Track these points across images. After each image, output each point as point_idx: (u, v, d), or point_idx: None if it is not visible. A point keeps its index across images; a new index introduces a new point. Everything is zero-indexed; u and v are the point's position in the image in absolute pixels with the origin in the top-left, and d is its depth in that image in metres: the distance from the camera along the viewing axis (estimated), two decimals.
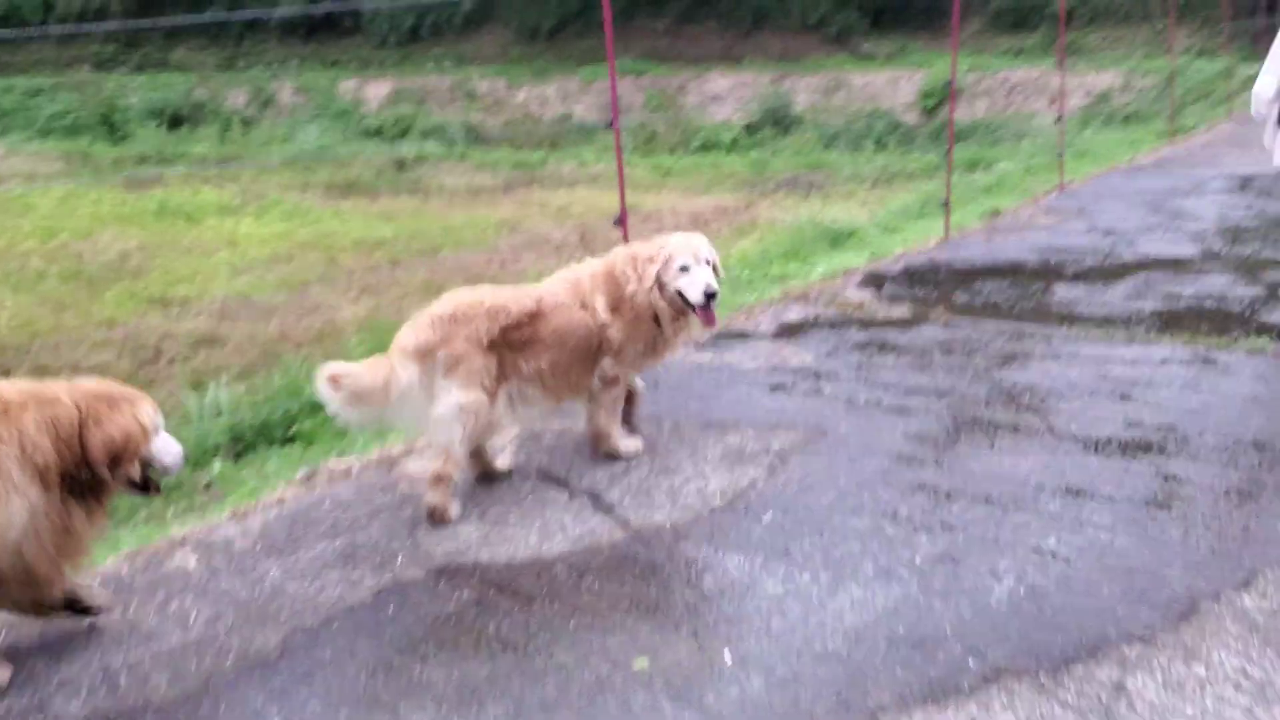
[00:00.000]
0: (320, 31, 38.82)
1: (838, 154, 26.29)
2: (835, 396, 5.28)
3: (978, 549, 3.72)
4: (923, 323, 6.45)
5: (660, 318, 4.45)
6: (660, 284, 4.40)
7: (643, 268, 4.40)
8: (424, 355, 4.01)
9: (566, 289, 4.40)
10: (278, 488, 4.67)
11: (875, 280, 7.74)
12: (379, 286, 13.28)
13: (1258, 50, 28.41)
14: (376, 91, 34.60)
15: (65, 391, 3.08)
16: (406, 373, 4.00)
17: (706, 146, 29.04)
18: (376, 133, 31.72)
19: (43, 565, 3.06)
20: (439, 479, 4.08)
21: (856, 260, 9.38)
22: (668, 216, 20.24)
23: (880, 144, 27.84)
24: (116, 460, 3.09)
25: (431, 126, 32.29)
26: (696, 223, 19.74)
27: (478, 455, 4.38)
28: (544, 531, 3.99)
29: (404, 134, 31.64)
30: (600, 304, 4.39)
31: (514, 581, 3.65)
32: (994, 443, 4.64)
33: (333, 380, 3.92)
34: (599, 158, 27.11)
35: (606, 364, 4.44)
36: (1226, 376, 5.34)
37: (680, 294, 4.40)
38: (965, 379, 5.47)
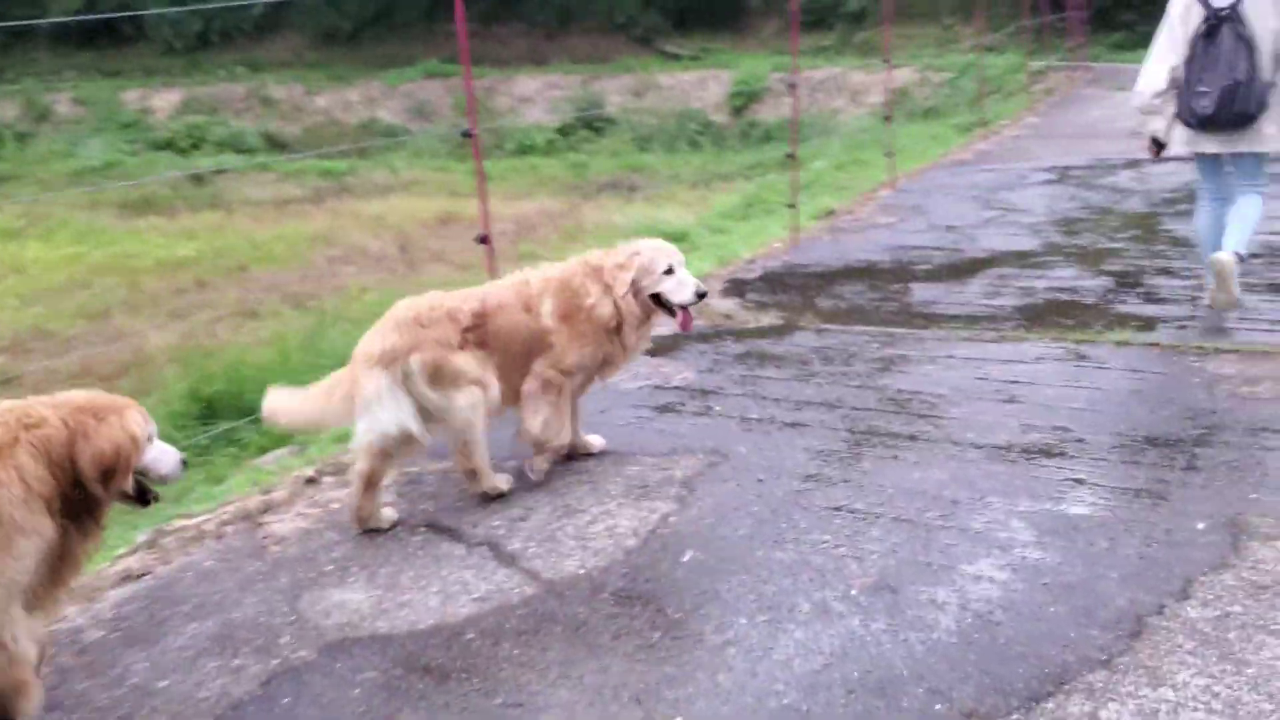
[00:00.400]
0: (98, 39, 36.43)
1: (654, 155, 26.35)
2: (727, 415, 5.04)
3: (911, 575, 3.54)
4: (795, 330, 6.30)
5: (624, 326, 4.35)
6: (635, 290, 4.31)
7: (613, 275, 4.30)
8: (391, 361, 3.90)
9: (511, 291, 4.32)
10: (116, 558, 4.09)
11: (737, 288, 7.58)
12: (187, 310, 12.43)
13: (1042, 45, 30.01)
14: (165, 101, 32.69)
15: (49, 409, 2.90)
16: (374, 382, 3.88)
17: (522, 149, 28.67)
18: (167, 144, 29.95)
19: (42, 599, 2.90)
20: (473, 474, 4.18)
21: (704, 265, 9.22)
22: (492, 223, 19.83)
23: (694, 144, 28.06)
24: (109, 475, 2.91)
25: (227, 136, 30.79)
26: (522, 227, 19.39)
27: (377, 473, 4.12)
28: (445, 593, 3.59)
29: (197, 145, 30.05)
30: (546, 309, 4.29)
31: (422, 655, 3.25)
32: (897, 455, 4.49)
33: (269, 417, 3.96)
34: (411, 164, 26.36)
35: (538, 365, 4.31)
36: (1102, 371, 5.37)
37: (658, 297, 4.34)
38: (852, 388, 5.33)
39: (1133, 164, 11.27)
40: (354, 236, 18.41)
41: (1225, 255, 5.80)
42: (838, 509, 4.02)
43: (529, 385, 4.31)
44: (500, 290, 4.34)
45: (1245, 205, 5.98)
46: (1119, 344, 5.77)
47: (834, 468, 4.39)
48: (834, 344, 6.03)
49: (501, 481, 4.29)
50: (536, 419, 4.32)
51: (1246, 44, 5.58)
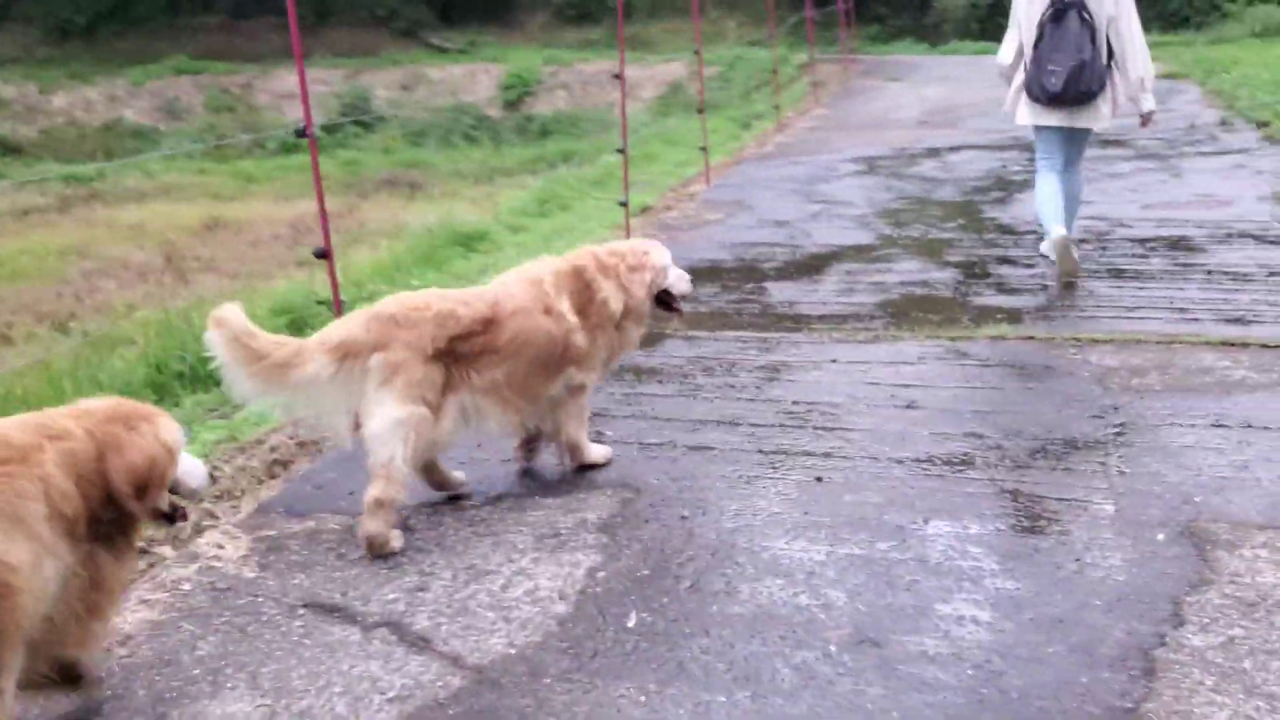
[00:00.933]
0: None
1: (430, 151, 25.35)
2: (623, 441, 4.51)
3: (888, 622, 3.13)
4: (663, 339, 5.83)
5: (628, 322, 4.17)
6: (650, 288, 4.21)
7: (629, 278, 4.11)
8: (346, 354, 3.55)
9: (526, 292, 3.92)
10: None
11: None
12: None
13: (802, 38, 30.76)
14: None
15: (74, 419, 2.64)
16: (315, 365, 3.52)
17: (286, 148, 27.00)
18: None
19: (72, 630, 2.60)
20: (379, 504, 3.56)
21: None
22: (263, 226, 18.43)
23: (470, 139, 27.21)
24: (143, 490, 2.67)
25: None
26: (298, 230, 18.14)
27: (430, 470, 3.92)
28: (352, 694, 2.92)
29: None
30: (566, 308, 3.95)
31: None
32: (821, 477, 4.09)
33: (218, 322, 3.46)
34: (168, 167, 24.35)
35: (573, 372, 4.02)
36: (990, 369, 5.17)
37: (667, 292, 4.29)
38: (745, 402, 4.91)
39: (932, 153, 11.44)
40: (111, 248, 16.77)
41: (1065, 234, 6.43)
42: (782, 548, 3.57)
43: (557, 391, 4.01)
44: (512, 291, 3.91)
45: (1074, 186, 6.68)
46: (994, 338, 5.60)
47: (761, 497, 3.94)
48: (709, 353, 5.60)
49: (395, 538, 3.65)
50: (579, 427, 4.16)
51: (1090, 27, 6.08)
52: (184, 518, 2.96)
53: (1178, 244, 7.28)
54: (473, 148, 25.28)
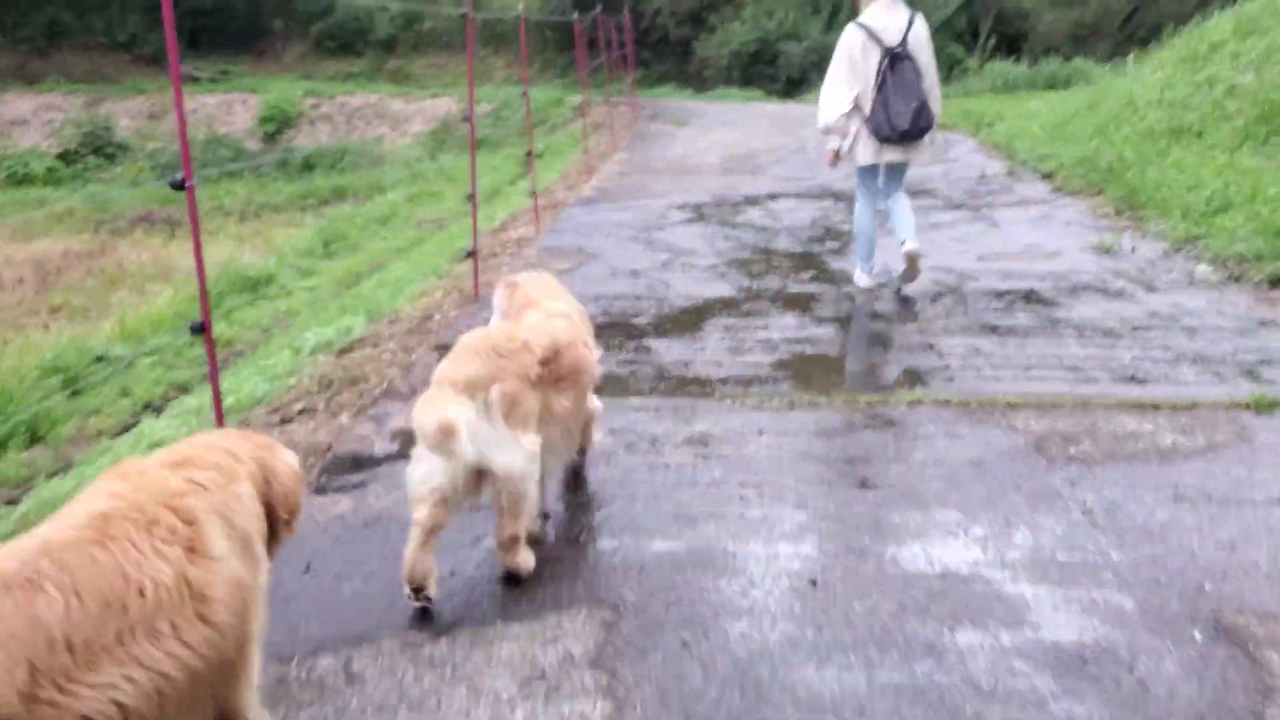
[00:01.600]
0: None
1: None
2: (573, 541, 3.87)
3: None
4: None
5: None
6: None
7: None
8: (475, 390, 3.42)
9: (567, 325, 3.96)
10: None
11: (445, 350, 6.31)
12: None
13: (572, 79, 30.58)
14: None
15: (234, 446, 2.60)
16: (464, 411, 3.34)
17: (17, 179, 24.43)
18: None
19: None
20: (517, 539, 3.57)
21: (352, 320, 7.82)
22: (4, 269, 16.29)
23: (230, 173, 25.40)
24: (293, 513, 2.70)
25: None
26: (43, 272, 16.25)
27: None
28: None
29: None
30: (592, 341, 4.15)
31: None
32: (815, 580, 3.60)
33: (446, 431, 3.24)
34: None
35: (594, 399, 4.26)
36: (930, 442, 4.83)
37: None
38: (687, 488, 4.36)
39: (751, 201, 11.29)
40: None
41: (916, 245, 7.14)
42: (814, 678, 3.04)
43: (596, 405, 4.29)
44: (559, 324, 3.93)
45: (906, 203, 7.31)
46: (912, 403, 5.30)
47: (761, 612, 3.40)
48: (625, 425, 5.01)
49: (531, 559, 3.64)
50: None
51: (918, 73, 6.89)
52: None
53: (1031, 297, 7.29)
54: (234, 182, 23.57)
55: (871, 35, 6.88)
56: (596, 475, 4.49)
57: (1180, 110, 11.16)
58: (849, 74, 6.94)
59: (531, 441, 3.48)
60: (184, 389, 9.08)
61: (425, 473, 3.34)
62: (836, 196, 11.29)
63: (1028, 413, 5.14)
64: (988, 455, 4.67)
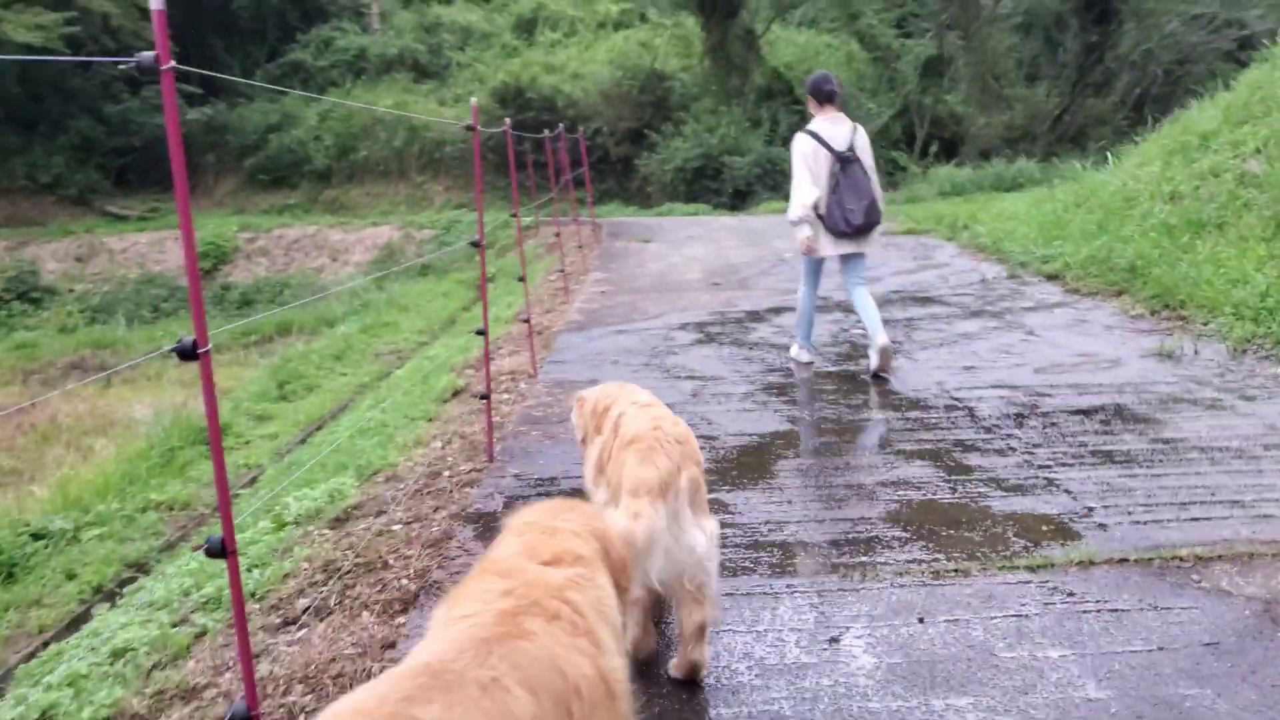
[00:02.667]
0: None
1: (119, 328, 21.95)
2: None
3: None
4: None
5: None
6: None
7: None
8: (668, 489, 3.30)
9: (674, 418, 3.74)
10: None
11: (479, 523, 5.16)
12: None
13: (509, 199, 29.89)
14: None
15: (575, 526, 2.56)
16: (660, 516, 3.21)
17: None
18: None
19: None
20: (704, 629, 3.41)
21: (344, 482, 6.66)
22: None
23: (163, 312, 24.03)
24: (629, 582, 2.72)
25: None
26: None
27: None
28: None
29: None
30: None
31: None
32: None
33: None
34: None
35: None
36: (1120, 615, 3.80)
37: None
38: (874, 708, 3.25)
39: (754, 316, 10.38)
40: None
41: (888, 339, 7.59)
42: None
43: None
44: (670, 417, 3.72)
45: (868, 297, 7.69)
46: (1082, 565, 4.28)
47: None
48: (747, 626, 3.88)
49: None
50: None
51: (865, 173, 7.47)
52: None
53: (1124, 415, 6.39)
54: (171, 321, 22.17)
55: (821, 142, 7.47)
56: (773, 690, 3.36)
57: (1193, 203, 10.57)
58: (809, 176, 7.48)
59: (713, 526, 3.46)
60: (140, 567, 7.75)
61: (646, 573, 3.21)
62: (845, 309, 10.44)
63: (1225, 566, 4.15)
64: (1220, 633, 3.65)
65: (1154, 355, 7.81)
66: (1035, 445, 5.87)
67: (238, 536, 6.22)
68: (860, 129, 7.64)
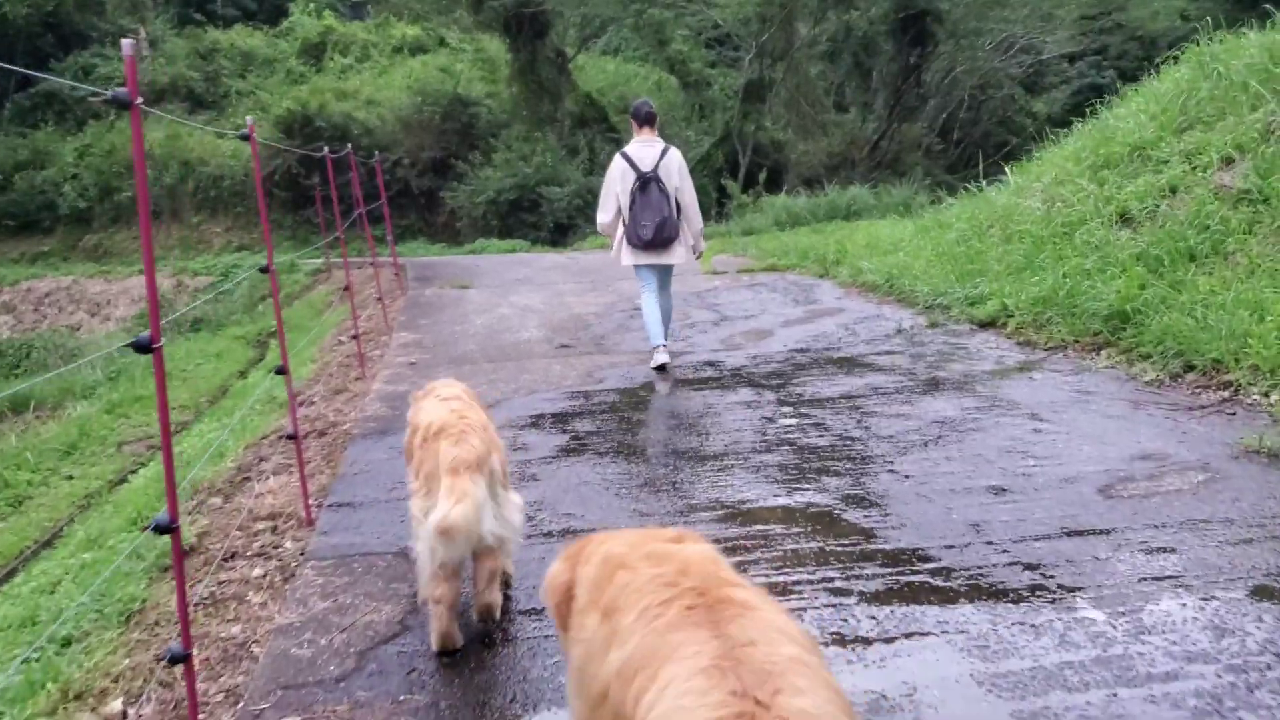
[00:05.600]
0: None
1: None
2: None
3: None
4: None
5: None
6: None
7: None
8: (483, 465, 3.60)
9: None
10: None
11: None
12: None
13: (299, 241, 25.79)
14: None
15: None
16: (481, 489, 3.54)
17: None
18: None
19: None
20: (495, 575, 3.83)
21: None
22: None
23: None
24: None
25: None
26: None
27: None
28: None
29: None
30: None
31: None
32: None
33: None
34: None
35: None
36: None
37: None
38: None
39: (631, 397, 7.27)
40: None
41: (667, 357, 7.97)
42: None
43: None
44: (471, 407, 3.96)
45: (667, 305, 8.20)
46: None
47: None
48: None
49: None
50: None
51: (665, 194, 7.69)
52: None
53: None
54: None
55: (630, 162, 7.70)
56: None
57: (1172, 227, 8.10)
58: (612, 193, 7.80)
59: (519, 497, 3.82)
60: None
61: (445, 553, 3.36)
62: (781, 379, 7.48)
63: None
64: None
65: (1248, 455, 5.15)
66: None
67: None
68: (673, 150, 7.81)
